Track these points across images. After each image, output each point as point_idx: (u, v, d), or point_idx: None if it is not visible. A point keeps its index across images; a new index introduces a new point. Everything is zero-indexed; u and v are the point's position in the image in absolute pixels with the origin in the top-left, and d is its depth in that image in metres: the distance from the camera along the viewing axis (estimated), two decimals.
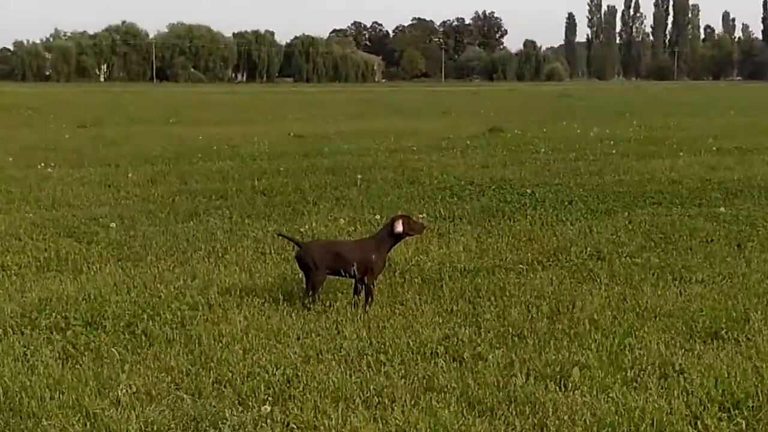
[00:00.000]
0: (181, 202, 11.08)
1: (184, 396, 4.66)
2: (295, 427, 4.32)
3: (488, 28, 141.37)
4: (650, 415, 4.35)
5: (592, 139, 20.22)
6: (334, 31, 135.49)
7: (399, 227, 6.30)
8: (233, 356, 5.18)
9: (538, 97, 56.31)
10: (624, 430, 4.24)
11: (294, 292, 6.59)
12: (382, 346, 5.41)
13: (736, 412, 4.38)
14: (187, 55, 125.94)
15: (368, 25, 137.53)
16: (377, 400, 4.58)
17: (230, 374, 4.92)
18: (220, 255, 7.90)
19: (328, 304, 6.30)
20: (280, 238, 8.00)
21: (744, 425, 4.26)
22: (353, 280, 6.36)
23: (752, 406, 4.44)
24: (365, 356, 5.26)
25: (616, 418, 4.33)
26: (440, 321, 5.92)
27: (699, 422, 4.29)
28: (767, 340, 5.37)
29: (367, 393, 4.66)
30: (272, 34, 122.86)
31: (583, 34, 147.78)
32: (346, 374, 4.96)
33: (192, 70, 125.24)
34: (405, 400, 4.52)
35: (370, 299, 6.25)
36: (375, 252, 6.26)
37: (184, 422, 4.36)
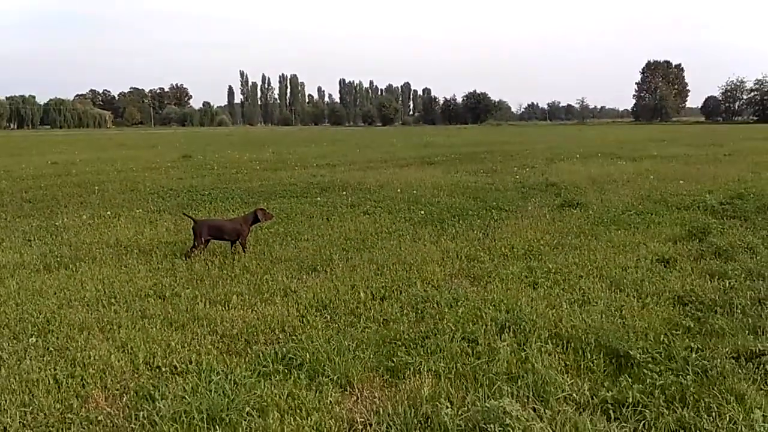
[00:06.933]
0: None
1: None
2: (52, 350, 4.97)
3: (180, 93, 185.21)
4: (276, 318, 5.52)
5: (246, 161, 25.15)
6: (77, 95, 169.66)
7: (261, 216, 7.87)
8: (7, 307, 5.90)
9: (212, 136, 63.87)
10: (262, 329, 5.28)
11: (52, 264, 7.48)
12: (113, 292, 6.32)
13: (325, 311, 5.78)
14: None
15: (100, 91, 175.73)
16: (109, 328, 5.33)
17: (7, 319, 5.63)
18: None
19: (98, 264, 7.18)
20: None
21: (328, 319, 5.58)
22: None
23: (337, 311, 5.81)
24: (101, 300, 6.03)
25: (258, 322, 5.42)
26: (150, 274, 7.04)
27: (304, 318, 5.58)
28: (343, 270, 7.12)
29: (107, 324, 5.49)
30: (34, 97, 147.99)
31: (238, 97, 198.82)
32: (88, 313, 5.67)
33: None
34: (127, 326, 5.40)
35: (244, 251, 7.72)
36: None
37: None
